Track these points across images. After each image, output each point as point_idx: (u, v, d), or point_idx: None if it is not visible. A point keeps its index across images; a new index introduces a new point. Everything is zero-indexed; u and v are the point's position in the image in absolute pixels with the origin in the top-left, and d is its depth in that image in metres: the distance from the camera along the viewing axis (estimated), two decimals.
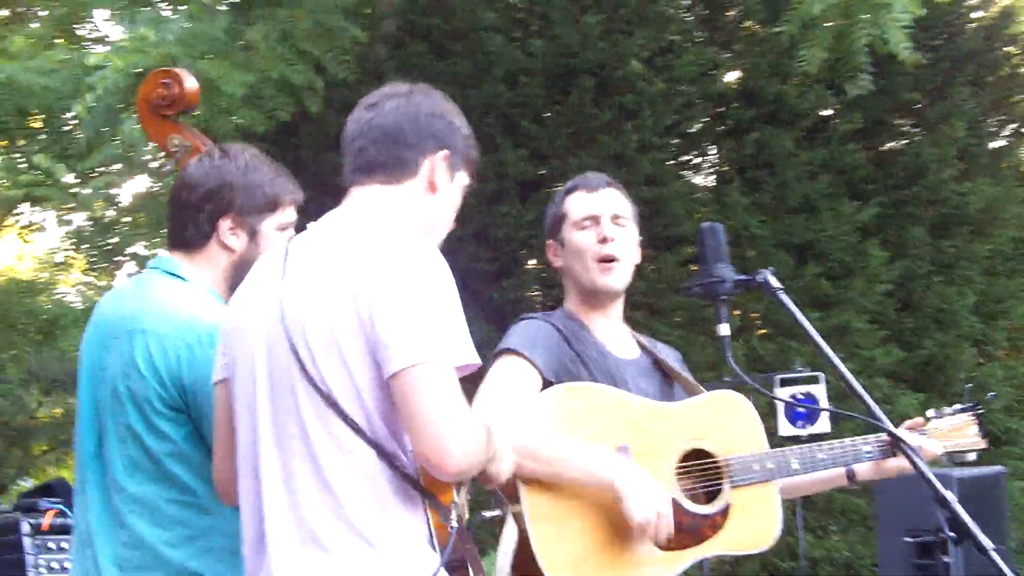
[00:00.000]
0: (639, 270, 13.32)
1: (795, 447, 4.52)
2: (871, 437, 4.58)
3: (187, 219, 4.05)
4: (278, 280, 3.35)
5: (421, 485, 3.22)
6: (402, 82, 3.66)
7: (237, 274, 3.88)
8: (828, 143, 13.97)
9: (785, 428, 9.18)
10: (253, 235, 4.04)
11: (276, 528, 3.26)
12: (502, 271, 13.10)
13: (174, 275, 4.03)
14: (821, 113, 14.22)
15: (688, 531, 4.24)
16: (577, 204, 4.60)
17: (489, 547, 10.29)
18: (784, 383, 8.84)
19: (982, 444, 4.85)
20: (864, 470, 4.67)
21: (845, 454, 4.57)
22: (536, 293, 13.70)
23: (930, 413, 4.86)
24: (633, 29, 13.46)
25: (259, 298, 3.40)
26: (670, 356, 4.75)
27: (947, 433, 4.78)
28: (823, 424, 9.31)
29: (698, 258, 4.15)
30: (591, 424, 4.21)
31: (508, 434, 3.59)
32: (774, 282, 3.99)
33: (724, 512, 4.33)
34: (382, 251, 3.22)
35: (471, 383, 4.11)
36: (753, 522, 4.39)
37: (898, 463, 4.54)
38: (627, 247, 4.56)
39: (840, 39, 9.68)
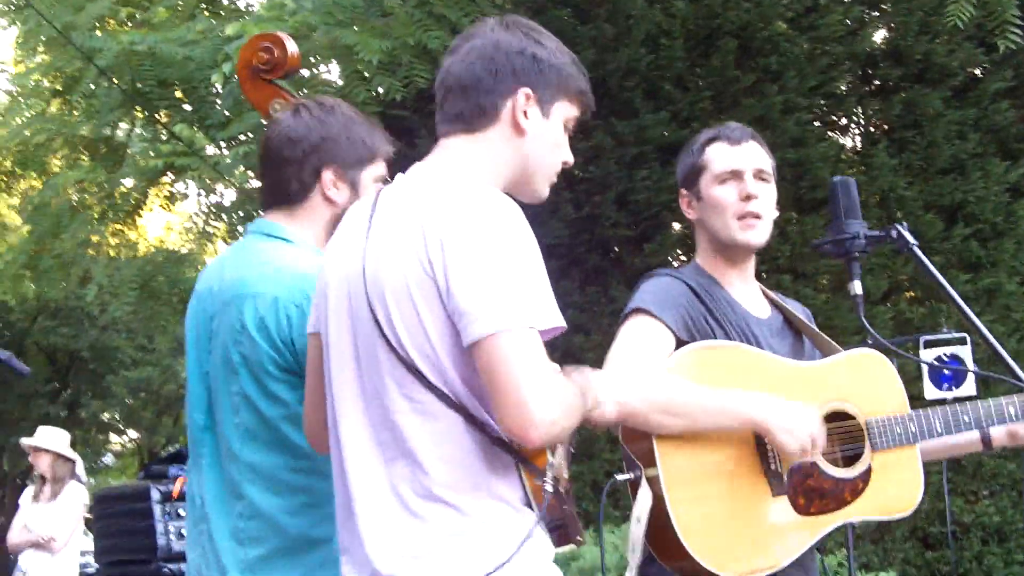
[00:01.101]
0: (784, 233, 13.21)
1: (937, 408, 4.38)
2: (1015, 397, 4.42)
3: (290, 174, 4.02)
4: (363, 236, 3.29)
5: (513, 448, 3.15)
6: (492, 17, 3.54)
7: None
8: (978, 102, 13.64)
9: (930, 391, 9.00)
10: (354, 187, 4.04)
11: (365, 496, 3.22)
12: (643, 236, 13.00)
13: (276, 237, 4.02)
14: (971, 71, 13.90)
15: (829, 495, 4.14)
16: (719, 156, 4.42)
17: (625, 508, 10.24)
18: (929, 345, 8.66)
19: None
20: (999, 436, 4.55)
21: (989, 415, 4.43)
22: (679, 257, 13.60)
23: None
24: None
25: (346, 253, 3.34)
26: (800, 313, 4.62)
27: None
28: (969, 387, 9.11)
29: (831, 214, 4.04)
30: (728, 384, 4.08)
31: (611, 379, 3.50)
32: (909, 237, 3.88)
33: (865, 476, 4.21)
34: (454, 212, 3.12)
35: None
36: (895, 487, 4.28)
37: None
38: (769, 204, 4.42)
39: None
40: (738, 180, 4.36)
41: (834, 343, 4.45)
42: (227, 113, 11.41)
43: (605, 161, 12.71)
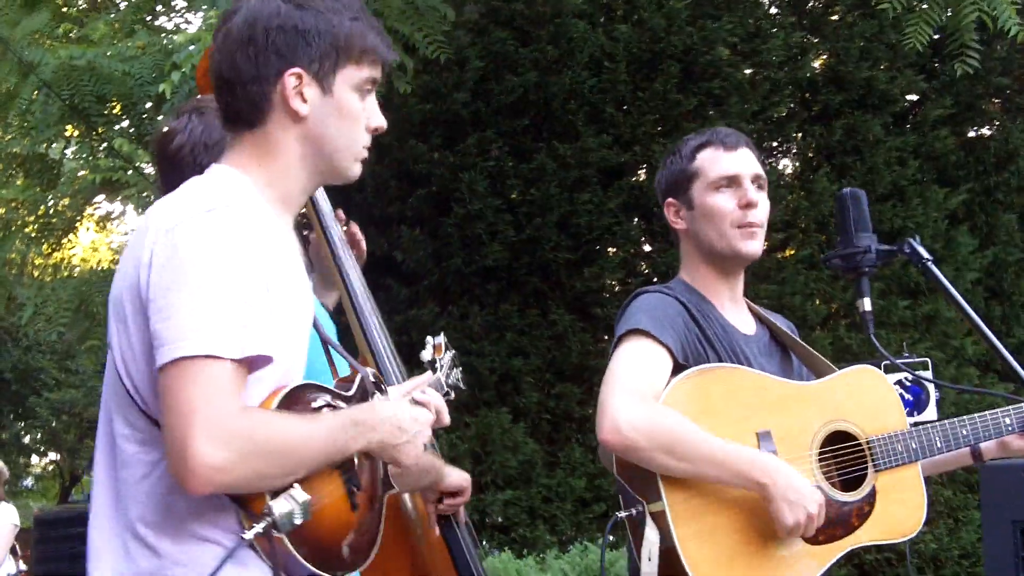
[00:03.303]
0: None
1: (936, 424, 4.26)
2: (1011, 409, 4.29)
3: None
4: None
5: None
6: None
7: None
8: (918, 129, 13.77)
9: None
10: None
11: (95, 526, 2.99)
12: (584, 259, 12.93)
13: None
14: (910, 98, 14.00)
15: (836, 522, 4.00)
16: (713, 162, 4.20)
17: (561, 534, 10.18)
18: (889, 370, 8.59)
19: None
20: (990, 448, 4.43)
21: (986, 427, 4.30)
22: (617, 281, 13.55)
23: None
24: (720, 14, 13.28)
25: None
26: (784, 326, 4.48)
27: None
28: (931, 412, 9.03)
29: (838, 227, 3.93)
30: (730, 410, 3.95)
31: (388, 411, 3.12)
32: (922, 251, 3.78)
33: (870, 498, 4.09)
34: (167, 228, 2.84)
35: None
36: (900, 507, 4.12)
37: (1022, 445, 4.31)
38: (766, 213, 4.26)
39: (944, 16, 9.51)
40: (736, 187, 4.17)
41: (822, 357, 4.33)
42: None
43: (546, 184, 12.64)
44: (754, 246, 4.17)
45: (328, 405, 3.01)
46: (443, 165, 12.41)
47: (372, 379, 3.24)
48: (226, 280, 2.77)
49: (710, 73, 13.16)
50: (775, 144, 14.26)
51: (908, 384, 7.97)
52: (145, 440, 2.87)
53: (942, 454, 4.25)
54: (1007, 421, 4.29)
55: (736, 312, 4.30)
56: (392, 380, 4.35)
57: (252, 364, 2.79)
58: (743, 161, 4.22)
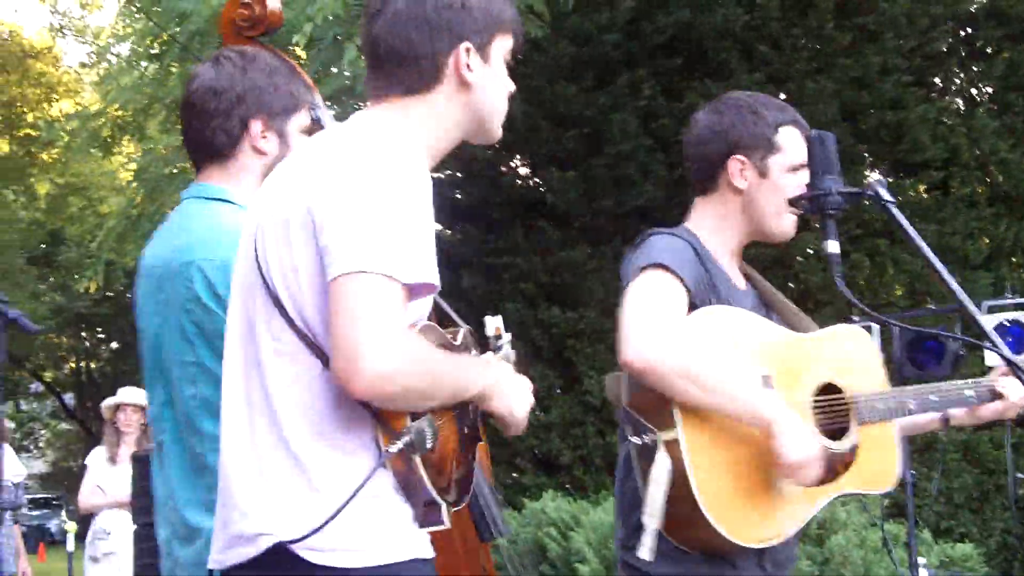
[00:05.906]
0: None
1: (910, 387, 4.43)
2: (972, 382, 4.49)
3: (217, 126, 3.88)
4: (268, 189, 3.20)
5: (370, 404, 2.96)
6: None
7: None
8: None
9: (992, 358, 8.66)
10: (282, 137, 3.92)
11: (231, 444, 3.10)
12: None
13: (215, 199, 3.90)
14: None
15: (826, 468, 4.10)
16: (795, 144, 4.26)
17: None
18: (992, 310, 8.44)
19: None
20: (959, 416, 4.58)
21: (951, 398, 4.46)
22: None
23: None
24: None
25: (254, 207, 3.24)
26: (773, 290, 4.58)
27: None
28: None
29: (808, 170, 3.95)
30: (739, 348, 4.06)
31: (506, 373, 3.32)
32: (884, 194, 3.75)
33: (853, 450, 4.19)
34: (349, 157, 2.99)
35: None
36: (877, 461, 4.30)
37: (994, 409, 4.51)
38: None
39: None
40: (800, 173, 4.29)
41: (806, 317, 4.41)
42: (313, 76, 11.43)
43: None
44: (792, 231, 4.36)
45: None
46: (594, 106, 12.40)
47: (470, 336, 3.41)
48: (404, 209, 2.94)
49: (865, 7, 12.90)
50: (935, 80, 13.94)
51: (1008, 325, 7.87)
52: (287, 352, 3.02)
53: (914, 416, 4.41)
54: (968, 394, 4.51)
55: (732, 268, 4.37)
56: None
57: (416, 291, 2.95)
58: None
